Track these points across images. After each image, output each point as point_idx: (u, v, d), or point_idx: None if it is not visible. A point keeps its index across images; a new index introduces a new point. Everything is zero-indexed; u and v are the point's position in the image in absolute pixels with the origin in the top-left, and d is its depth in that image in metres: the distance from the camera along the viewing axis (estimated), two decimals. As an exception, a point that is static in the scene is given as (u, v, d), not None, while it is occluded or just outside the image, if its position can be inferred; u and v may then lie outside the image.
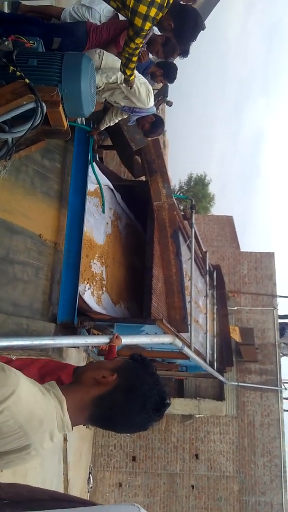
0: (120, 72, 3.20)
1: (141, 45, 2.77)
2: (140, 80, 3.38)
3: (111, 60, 3.30)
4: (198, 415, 10.50)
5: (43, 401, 1.16)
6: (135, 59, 2.88)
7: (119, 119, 3.87)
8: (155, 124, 3.87)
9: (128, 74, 3.03)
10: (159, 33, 3.69)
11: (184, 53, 3.86)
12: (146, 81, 3.48)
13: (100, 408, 1.22)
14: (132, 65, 2.96)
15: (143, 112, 3.63)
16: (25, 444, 1.09)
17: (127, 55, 2.82)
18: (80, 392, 1.24)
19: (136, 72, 3.38)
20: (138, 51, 2.80)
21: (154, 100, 5.67)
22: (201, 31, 3.57)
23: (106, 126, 3.85)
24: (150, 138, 4.24)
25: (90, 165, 3.66)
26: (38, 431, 1.11)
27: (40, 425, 1.11)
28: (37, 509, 0.82)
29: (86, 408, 1.22)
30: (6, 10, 3.77)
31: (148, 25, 2.56)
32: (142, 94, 3.37)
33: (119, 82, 3.30)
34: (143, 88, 3.37)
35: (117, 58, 3.30)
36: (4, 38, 2.57)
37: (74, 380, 1.31)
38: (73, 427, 1.22)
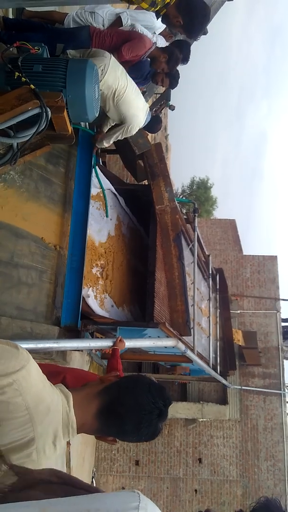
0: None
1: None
2: (134, 123, 3.41)
3: (112, 79, 3.08)
4: (201, 419, 10.47)
5: (51, 390, 1.15)
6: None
7: None
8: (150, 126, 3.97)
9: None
10: (160, 47, 3.75)
11: (184, 59, 3.90)
12: (141, 122, 3.49)
13: (109, 394, 1.22)
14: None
15: None
16: (29, 436, 1.06)
17: None
18: (86, 389, 1.26)
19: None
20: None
21: (156, 105, 5.71)
22: (204, 36, 3.60)
23: (109, 127, 3.87)
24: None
25: (93, 169, 3.68)
26: (44, 420, 1.08)
27: (47, 413, 1.09)
28: (43, 491, 0.83)
29: (93, 399, 1.21)
30: (10, 15, 3.81)
31: None
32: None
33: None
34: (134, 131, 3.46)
35: (119, 76, 3.15)
36: (9, 45, 2.60)
37: (80, 387, 1.32)
38: (78, 432, 1.18)
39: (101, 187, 3.97)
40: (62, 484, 0.88)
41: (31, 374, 1.08)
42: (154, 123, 4.01)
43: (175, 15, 2.68)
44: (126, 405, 1.19)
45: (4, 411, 1.03)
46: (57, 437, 1.12)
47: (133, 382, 1.25)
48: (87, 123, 3.70)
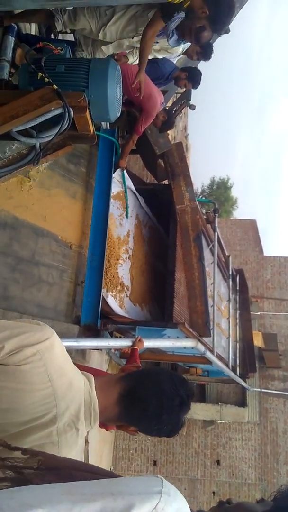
0: None
1: None
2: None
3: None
4: (220, 421, 10.39)
5: (74, 367, 1.15)
6: None
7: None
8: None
9: None
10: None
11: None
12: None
13: (131, 379, 1.21)
14: None
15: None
16: (52, 413, 1.03)
17: None
18: (107, 376, 1.28)
19: None
20: None
21: (177, 104, 5.69)
22: (225, 34, 3.56)
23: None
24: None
25: (116, 171, 3.73)
26: (67, 396, 1.07)
27: (69, 388, 1.08)
28: (66, 477, 0.84)
29: (115, 384, 1.20)
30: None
31: None
32: None
33: None
34: None
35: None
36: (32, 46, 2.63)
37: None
38: (100, 418, 1.16)
39: (125, 189, 3.99)
40: (85, 472, 0.88)
41: (54, 346, 1.09)
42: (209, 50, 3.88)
43: (200, 6, 2.66)
44: (148, 389, 1.17)
45: (27, 382, 1.02)
46: (79, 419, 1.09)
47: (155, 369, 1.26)
48: (107, 124, 3.72)
